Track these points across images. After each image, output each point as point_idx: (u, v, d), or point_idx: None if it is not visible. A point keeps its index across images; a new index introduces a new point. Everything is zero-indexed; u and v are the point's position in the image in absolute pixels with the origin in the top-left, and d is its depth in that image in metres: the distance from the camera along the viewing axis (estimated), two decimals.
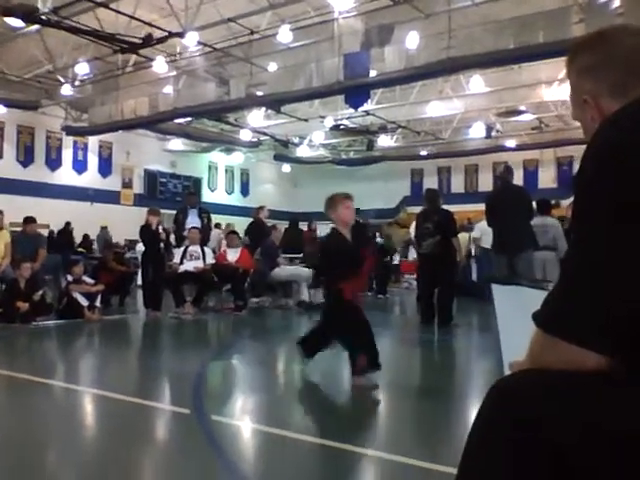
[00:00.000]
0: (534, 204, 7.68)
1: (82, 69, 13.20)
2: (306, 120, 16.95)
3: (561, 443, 0.85)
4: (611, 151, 0.90)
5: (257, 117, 16.97)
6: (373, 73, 11.32)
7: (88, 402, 3.86)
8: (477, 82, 13.68)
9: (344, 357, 4.21)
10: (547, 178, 20.40)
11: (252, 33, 11.77)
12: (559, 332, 0.90)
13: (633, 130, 0.89)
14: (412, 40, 11.01)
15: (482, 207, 7.74)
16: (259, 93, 13.44)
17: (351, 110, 14.77)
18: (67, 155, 18.36)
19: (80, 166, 18.69)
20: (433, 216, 7.44)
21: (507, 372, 1.04)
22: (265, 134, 19.05)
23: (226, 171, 23.64)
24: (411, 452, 2.73)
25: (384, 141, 19.95)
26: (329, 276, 4.33)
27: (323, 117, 16.76)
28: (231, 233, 10.34)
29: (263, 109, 16.19)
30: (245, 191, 24.27)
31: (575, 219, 0.93)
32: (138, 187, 20.19)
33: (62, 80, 14.14)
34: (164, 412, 3.54)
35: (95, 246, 15.89)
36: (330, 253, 4.33)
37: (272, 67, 13.28)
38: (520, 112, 16.32)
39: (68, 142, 17.98)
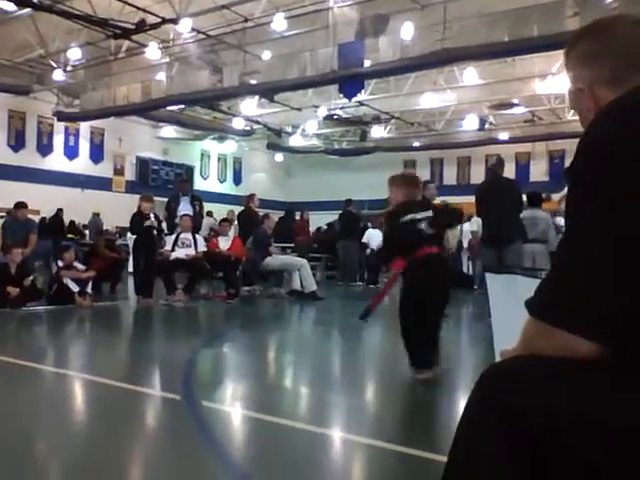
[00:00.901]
0: (524, 197, 7.71)
1: (74, 54, 13.09)
2: (299, 109, 16.91)
3: (550, 430, 0.85)
4: (604, 143, 0.90)
5: (250, 105, 16.90)
6: (367, 63, 11.30)
7: (78, 387, 3.87)
8: (471, 74, 13.69)
9: (336, 344, 4.24)
10: (539, 171, 20.46)
11: (246, 21, 11.71)
12: (551, 319, 0.91)
13: (626, 122, 0.90)
14: (407, 31, 11.00)
15: (473, 199, 7.77)
16: (252, 81, 13.39)
17: (345, 100, 14.74)
18: (58, 141, 18.22)
19: (71, 152, 18.56)
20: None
21: (498, 359, 1.04)
22: (258, 123, 19.00)
23: (219, 159, 23.55)
24: (402, 439, 2.77)
25: (377, 132, 19.94)
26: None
27: (316, 107, 16.72)
28: (224, 221, 10.34)
29: (256, 97, 16.12)
30: (237, 180, 24.20)
31: (568, 209, 0.94)
32: (130, 174, 20.09)
33: (54, 65, 14.02)
34: (154, 398, 3.56)
35: (87, 232, 15.85)
36: None
37: (266, 55, 13.22)
38: (513, 105, 16.36)
39: (59, 128, 17.85)
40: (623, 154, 0.87)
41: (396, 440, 2.74)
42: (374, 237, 12.47)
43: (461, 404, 3.53)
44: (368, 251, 12.40)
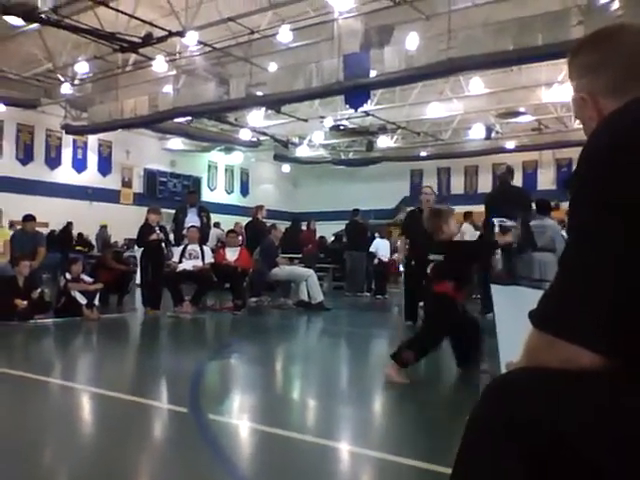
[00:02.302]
0: (533, 205, 7.68)
1: (82, 68, 13.23)
2: (306, 120, 16.98)
3: (556, 441, 0.85)
4: (605, 152, 0.90)
5: (257, 117, 16.99)
6: (373, 74, 11.34)
7: (86, 400, 3.86)
8: (477, 83, 13.71)
9: (344, 355, 4.22)
10: (546, 179, 20.43)
11: (252, 33, 11.79)
12: (554, 330, 0.90)
13: (627, 132, 0.90)
14: (412, 41, 11.05)
15: (482, 208, 7.76)
16: (259, 93, 13.46)
17: (351, 110, 14.79)
18: (67, 154, 18.37)
19: (80, 165, 18.70)
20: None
21: (504, 371, 1.04)
22: (265, 134, 19.08)
23: (226, 170, 23.66)
24: (408, 451, 2.74)
25: (384, 142, 19.96)
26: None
27: (323, 117, 16.78)
28: (231, 232, 10.36)
29: (263, 109, 16.20)
30: (245, 191, 24.28)
31: (570, 219, 0.94)
32: (138, 186, 20.21)
33: (62, 79, 14.17)
34: (161, 411, 3.55)
35: (95, 245, 15.92)
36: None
37: (272, 67, 13.31)
38: (519, 114, 16.35)
39: (68, 141, 18.00)
40: (624, 163, 0.87)
41: (405, 453, 2.72)
42: (382, 247, 12.43)
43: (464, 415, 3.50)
44: (376, 261, 12.33)
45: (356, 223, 12.60)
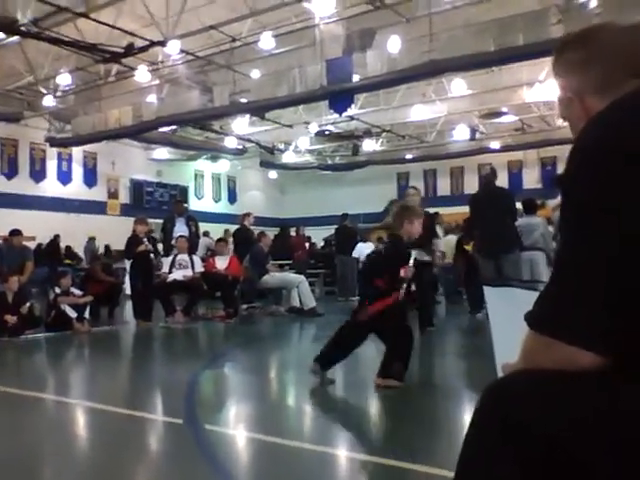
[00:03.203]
0: (519, 204, 7.74)
1: (64, 80, 13.15)
2: (291, 126, 16.99)
3: (554, 443, 0.85)
4: (595, 151, 0.90)
5: (242, 124, 16.97)
6: (356, 78, 11.37)
7: (79, 415, 3.84)
8: (459, 85, 13.78)
9: (337, 365, 4.24)
10: (531, 178, 20.57)
11: (234, 40, 11.79)
12: (551, 332, 0.90)
13: (617, 132, 0.90)
14: (394, 44, 11.09)
15: (468, 209, 7.80)
16: (243, 100, 13.44)
17: (335, 115, 14.80)
18: (51, 166, 18.24)
19: (65, 177, 18.58)
20: None
21: (500, 374, 1.04)
22: (250, 141, 19.06)
23: (212, 179, 23.60)
24: (407, 456, 2.74)
25: (369, 145, 20.01)
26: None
27: (308, 123, 16.79)
28: (220, 240, 10.34)
29: (247, 116, 16.20)
30: (232, 198, 24.24)
31: (563, 220, 0.94)
32: (124, 197, 20.10)
33: (44, 91, 14.07)
34: (156, 423, 3.53)
35: (84, 257, 15.82)
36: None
37: (255, 74, 13.31)
38: (502, 114, 16.44)
39: (52, 153, 17.87)
40: (615, 162, 0.87)
41: (403, 457, 2.72)
42: (365, 251, 12.19)
43: (465, 417, 3.52)
44: (360, 265, 12.20)
45: (345, 227, 12.62)
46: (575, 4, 9.57)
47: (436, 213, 10.70)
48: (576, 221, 0.91)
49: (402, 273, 4.28)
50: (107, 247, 15.94)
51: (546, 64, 12.20)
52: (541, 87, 13.46)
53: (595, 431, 0.84)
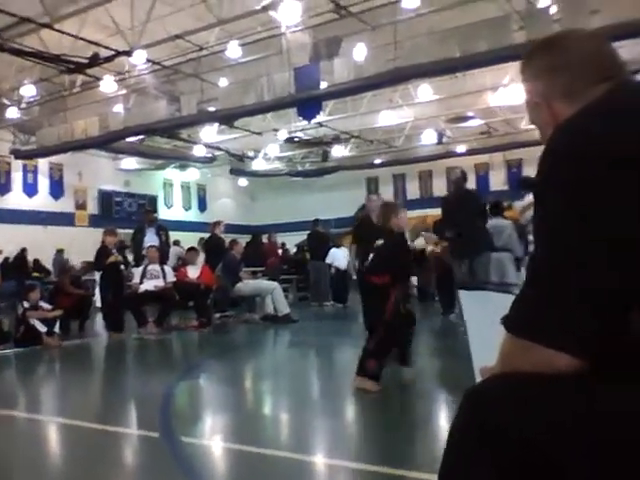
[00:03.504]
0: (487, 207, 7.87)
1: (28, 91, 12.95)
2: (260, 134, 16.98)
3: (531, 447, 0.86)
4: (564, 159, 0.93)
5: (210, 132, 16.91)
6: (324, 85, 11.44)
7: (52, 432, 3.80)
8: (425, 90, 13.96)
9: (314, 367, 4.25)
10: (498, 180, 20.88)
11: (201, 49, 11.76)
12: (528, 335, 0.91)
13: (584, 138, 0.92)
14: (360, 52, 11.20)
15: (438, 212, 7.93)
16: (211, 109, 13.41)
17: (304, 122, 14.85)
18: (17, 179, 17.89)
19: (31, 189, 18.25)
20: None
21: (478, 377, 1.05)
22: (219, 149, 18.99)
23: (182, 187, 23.42)
24: (385, 461, 2.77)
25: (338, 151, 20.11)
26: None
27: (277, 130, 16.81)
28: (191, 249, 10.29)
29: (216, 124, 16.15)
30: (202, 207, 24.09)
31: (537, 223, 0.96)
32: (92, 208, 19.82)
33: (8, 103, 13.82)
34: (132, 437, 3.51)
35: (52, 270, 15.55)
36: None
37: (223, 82, 13.29)
38: (468, 118, 16.69)
39: (17, 165, 17.54)
40: (585, 168, 0.89)
41: (380, 461, 2.76)
42: (338, 256, 12.20)
43: (442, 420, 3.58)
44: (332, 270, 12.07)
45: (318, 233, 12.65)
46: (536, 11, 9.79)
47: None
48: (549, 225, 0.93)
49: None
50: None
51: (509, 69, 12.45)
52: (505, 91, 13.71)
53: (572, 434, 0.85)
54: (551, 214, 0.93)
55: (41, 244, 16.00)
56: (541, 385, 0.90)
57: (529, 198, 7.29)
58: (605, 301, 0.87)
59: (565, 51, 1.13)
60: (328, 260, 12.04)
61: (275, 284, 9.62)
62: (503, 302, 0.99)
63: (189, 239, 14.17)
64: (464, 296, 1.86)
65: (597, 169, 0.88)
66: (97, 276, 10.16)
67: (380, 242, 4.39)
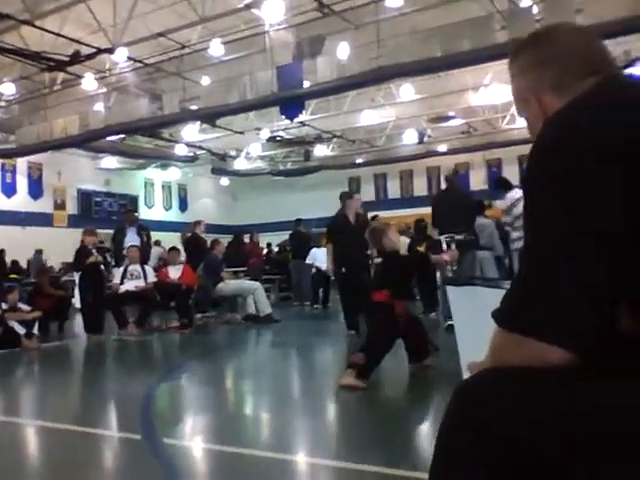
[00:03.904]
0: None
1: (8, 89, 12.76)
2: (242, 133, 16.93)
3: (515, 444, 0.86)
4: (552, 152, 0.92)
5: (192, 131, 16.81)
6: (306, 84, 11.42)
7: (31, 435, 3.72)
8: (407, 90, 14.01)
9: (296, 367, 4.23)
10: (478, 180, 21.02)
11: (183, 47, 11.68)
12: (520, 328, 0.90)
13: (571, 132, 0.92)
14: (343, 51, 11.20)
15: (418, 211, 7.95)
16: (193, 107, 13.32)
17: (287, 121, 14.83)
18: None
19: (9, 189, 18.00)
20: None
21: (465, 373, 1.04)
22: (201, 148, 18.89)
23: (163, 187, 23.27)
24: (371, 459, 2.76)
25: (320, 151, 20.12)
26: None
27: (259, 129, 16.76)
28: (172, 249, 10.20)
29: (198, 123, 16.05)
30: (183, 206, 23.95)
31: (527, 217, 0.95)
32: (72, 208, 19.60)
33: None
34: (113, 439, 3.46)
35: (30, 271, 15.32)
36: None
37: (205, 81, 13.22)
38: (449, 117, 16.79)
39: None
40: (573, 161, 0.89)
41: (367, 460, 2.74)
42: (319, 256, 12.11)
43: (427, 418, 3.57)
44: (313, 270, 11.90)
45: (300, 233, 12.62)
46: (518, 10, 9.86)
47: (375, 216, 10.83)
48: (537, 219, 0.93)
49: (447, 257, 5.01)
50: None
51: (491, 69, 12.54)
52: (486, 91, 13.82)
53: (553, 431, 0.85)
54: (539, 208, 0.93)
55: (19, 245, 15.78)
56: (525, 381, 0.90)
57: (510, 196, 7.33)
58: (594, 295, 0.87)
59: (554, 44, 1.13)
60: (309, 260, 11.95)
61: (257, 284, 9.57)
62: (491, 296, 0.97)
63: (170, 239, 14.06)
64: (452, 292, 1.84)
65: (584, 163, 0.88)
66: (76, 277, 10.03)
67: (379, 261, 4.59)
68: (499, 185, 7.95)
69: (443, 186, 7.86)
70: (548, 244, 0.90)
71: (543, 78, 1.12)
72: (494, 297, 0.97)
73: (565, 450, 0.84)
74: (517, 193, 7.09)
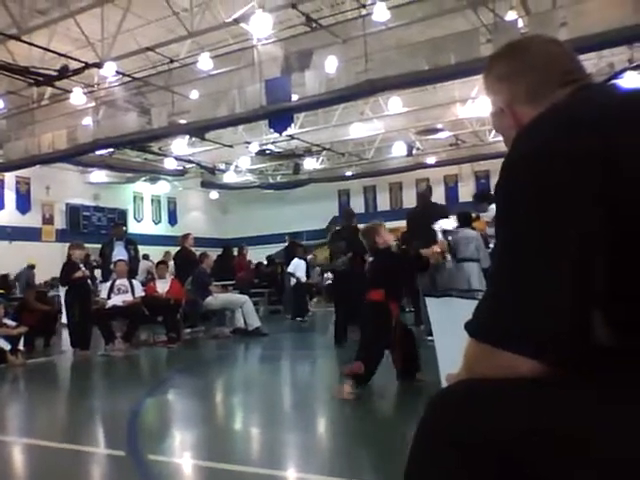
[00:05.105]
0: (455, 217, 7.94)
1: None
2: (231, 146, 16.93)
3: (500, 451, 0.86)
4: (522, 163, 0.93)
5: (181, 145, 16.80)
6: (295, 97, 11.46)
7: (16, 453, 3.67)
8: (396, 103, 14.09)
9: (284, 381, 4.21)
10: (467, 192, 21.09)
11: (172, 61, 11.71)
12: (491, 340, 0.91)
13: (541, 143, 0.92)
14: (331, 64, 11.26)
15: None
16: (182, 121, 13.33)
17: (276, 135, 14.87)
18: None
19: None
20: (344, 233, 7.68)
21: (444, 384, 1.05)
22: (191, 162, 18.87)
23: (152, 201, 23.19)
24: (356, 473, 2.74)
25: (310, 164, 20.16)
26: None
27: (248, 143, 16.78)
28: (160, 263, 10.15)
29: (187, 137, 16.05)
30: (173, 220, 23.87)
31: (499, 227, 0.96)
32: (60, 222, 19.49)
33: None
34: (97, 456, 3.41)
35: (17, 285, 15.19)
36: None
37: (194, 95, 13.24)
38: (437, 130, 16.89)
39: None
40: (543, 173, 0.89)
41: (351, 474, 2.72)
42: (300, 267, 11.99)
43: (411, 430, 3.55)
44: (293, 281, 11.76)
45: (294, 244, 12.66)
46: (503, 24, 9.97)
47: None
48: (507, 229, 0.93)
49: (437, 248, 4.98)
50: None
51: (477, 82, 12.64)
52: (473, 104, 13.92)
53: (523, 440, 0.85)
54: (509, 217, 0.93)
55: (6, 259, 15.65)
56: (497, 392, 0.89)
57: (493, 207, 7.36)
58: (564, 305, 0.86)
59: (528, 55, 1.15)
60: (290, 269, 11.83)
61: (245, 297, 9.54)
62: (468, 308, 0.98)
63: (159, 253, 13.99)
64: (430, 303, 1.85)
65: (555, 173, 0.88)
66: (62, 291, 9.94)
67: (371, 259, 4.59)
68: (481, 199, 8.04)
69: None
70: (517, 254, 0.90)
71: (517, 89, 1.13)
72: (471, 308, 0.97)
73: (536, 462, 0.84)
74: None
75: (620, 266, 0.87)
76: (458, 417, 0.91)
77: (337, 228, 8.70)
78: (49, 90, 12.63)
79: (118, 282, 8.64)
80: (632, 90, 1.03)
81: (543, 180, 0.89)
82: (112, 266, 9.13)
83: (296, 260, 12.03)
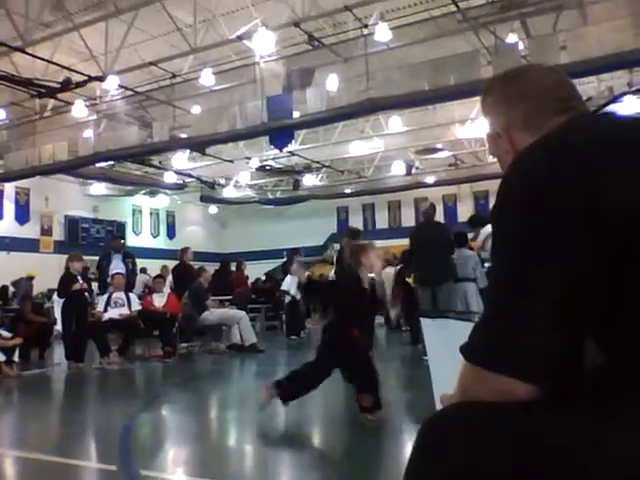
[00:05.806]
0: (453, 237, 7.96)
1: None
2: (231, 161, 16.99)
3: (491, 475, 0.85)
4: (516, 191, 0.93)
5: (181, 159, 16.86)
6: (296, 115, 11.53)
7: (7, 465, 3.64)
8: (396, 122, 14.19)
9: (276, 404, 4.19)
10: (465, 212, 21.15)
11: (174, 76, 11.79)
12: (486, 363, 0.91)
13: (535, 172, 0.93)
14: (332, 82, 11.34)
15: (406, 241, 8.01)
16: (183, 136, 13.39)
17: (276, 151, 14.93)
18: None
19: None
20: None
21: (438, 405, 1.04)
22: (190, 176, 18.92)
23: (151, 214, 23.20)
24: None
25: (309, 180, 20.23)
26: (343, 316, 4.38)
27: (248, 158, 16.85)
28: (157, 277, 10.14)
29: (187, 151, 16.11)
30: (171, 234, 23.87)
31: (495, 251, 0.96)
32: (58, 234, 19.47)
33: None
34: (89, 470, 3.39)
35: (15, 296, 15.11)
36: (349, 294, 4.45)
37: (195, 110, 13.31)
38: (437, 150, 16.98)
39: None
40: (536, 201, 0.89)
41: None
42: (294, 284, 11.40)
43: (406, 450, 3.53)
44: (288, 298, 11.38)
45: (291, 261, 12.61)
46: (504, 46, 10.07)
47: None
48: (502, 253, 0.94)
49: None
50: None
51: (477, 103, 12.71)
52: (472, 124, 14.02)
53: (517, 467, 0.84)
54: (504, 242, 0.94)
55: (3, 270, 15.61)
56: (490, 417, 0.89)
57: (484, 231, 7.38)
58: (558, 330, 0.87)
59: (525, 82, 1.16)
60: (284, 286, 11.67)
61: (242, 313, 9.51)
62: (463, 330, 0.98)
63: (157, 266, 13.97)
64: (425, 324, 1.84)
65: (547, 203, 0.89)
66: (56, 303, 9.92)
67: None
68: (474, 224, 8.07)
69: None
70: (511, 278, 0.91)
71: (514, 115, 1.14)
72: (467, 330, 0.97)
73: None
74: (490, 227, 7.14)
75: (613, 292, 0.88)
76: (446, 444, 0.90)
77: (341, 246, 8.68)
78: (51, 102, 12.69)
79: (115, 295, 8.63)
80: (628, 118, 1.04)
81: (532, 209, 0.90)
82: (109, 279, 9.12)
83: (289, 277, 11.61)
